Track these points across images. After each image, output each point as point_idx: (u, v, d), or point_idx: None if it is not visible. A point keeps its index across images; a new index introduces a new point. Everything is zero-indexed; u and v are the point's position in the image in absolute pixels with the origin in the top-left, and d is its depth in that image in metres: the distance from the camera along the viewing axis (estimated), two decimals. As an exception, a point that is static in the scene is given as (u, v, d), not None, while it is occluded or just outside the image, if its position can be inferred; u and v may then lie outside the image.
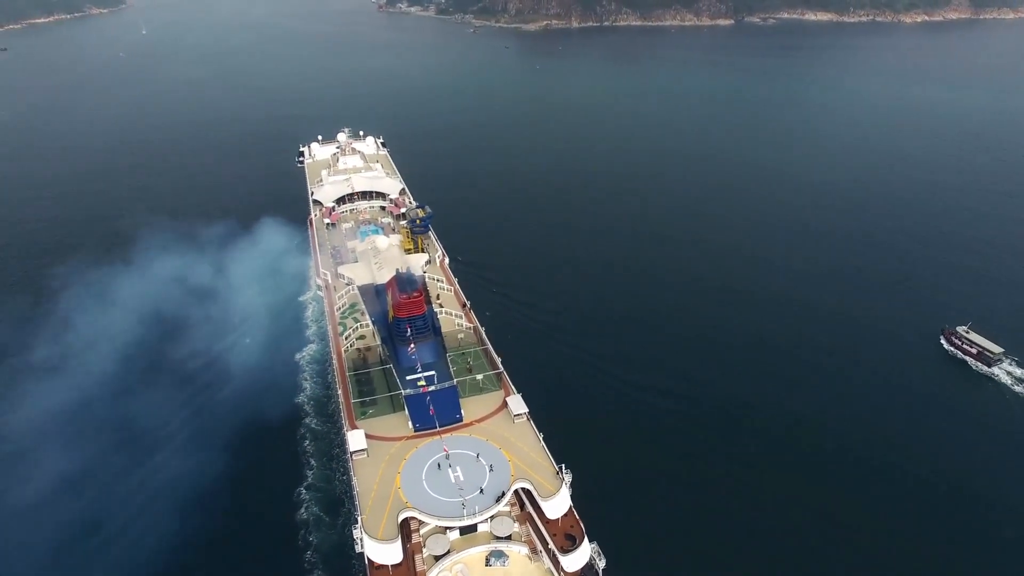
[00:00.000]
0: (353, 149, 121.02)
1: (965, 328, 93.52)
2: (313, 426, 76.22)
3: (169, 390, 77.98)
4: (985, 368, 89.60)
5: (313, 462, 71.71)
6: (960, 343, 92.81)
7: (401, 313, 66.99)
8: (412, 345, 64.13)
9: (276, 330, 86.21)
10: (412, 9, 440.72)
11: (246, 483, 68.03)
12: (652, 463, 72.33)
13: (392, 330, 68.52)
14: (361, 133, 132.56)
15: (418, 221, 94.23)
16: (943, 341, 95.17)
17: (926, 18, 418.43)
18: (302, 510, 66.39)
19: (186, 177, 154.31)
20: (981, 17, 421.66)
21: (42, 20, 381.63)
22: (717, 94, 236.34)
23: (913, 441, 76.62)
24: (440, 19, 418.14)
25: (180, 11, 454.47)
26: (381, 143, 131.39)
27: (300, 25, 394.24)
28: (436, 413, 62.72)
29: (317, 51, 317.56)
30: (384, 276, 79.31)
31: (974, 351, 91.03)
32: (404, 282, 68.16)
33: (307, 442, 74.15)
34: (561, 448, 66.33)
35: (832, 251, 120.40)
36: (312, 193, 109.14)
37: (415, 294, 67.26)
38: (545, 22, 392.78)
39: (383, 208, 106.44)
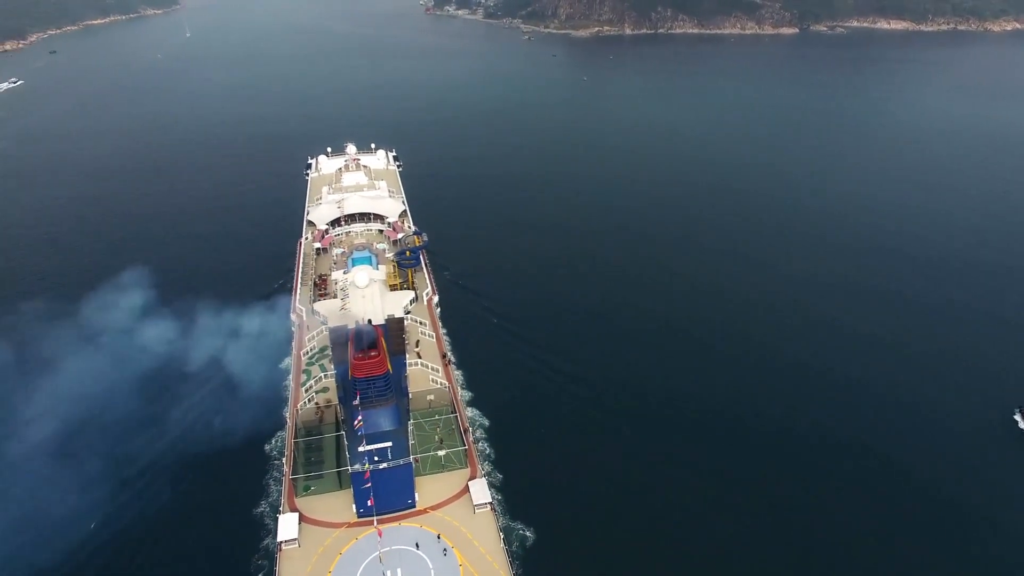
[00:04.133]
0: (358, 164, 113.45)
1: (1050, 408, 77.94)
2: (272, 549, 57.50)
3: (84, 501, 59.24)
4: (1073, 459, 74.01)
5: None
6: (1042, 425, 77.33)
7: (358, 373, 57.88)
8: (359, 418, 54.82)
9: (246, 409, 66.97)
10: (460, 12, 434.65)
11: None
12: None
13: (349, 390, 59.57)
14: (373, 146, 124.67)
15: (407, 253, 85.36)
16: (1019, 419, 79.68)
17: (1017, 26, 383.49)
18: None
19: (183, 196, 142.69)
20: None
21: (98, 21, 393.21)
22: (781, 112, 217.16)
23: (973, 538, 62.66)
24: (487, 23, 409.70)
25: (229, 12, 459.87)
26: (393, 157, 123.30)
27: (345, 28, 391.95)
28: (385, 496, 53.56)
29: (357, 56, 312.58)
30: (356, 318, 70.52)
31: (1060, 437, 75.47)
32: (360, 337, 59.00)
33: (261, 577, 56.99)
34: (528, 545, 56.50)
35: (891, 291, 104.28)
36: (308, 212, 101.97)
37: (372, 354, 57.96)
38: (596, 28, 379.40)
39: (381, 232, 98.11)
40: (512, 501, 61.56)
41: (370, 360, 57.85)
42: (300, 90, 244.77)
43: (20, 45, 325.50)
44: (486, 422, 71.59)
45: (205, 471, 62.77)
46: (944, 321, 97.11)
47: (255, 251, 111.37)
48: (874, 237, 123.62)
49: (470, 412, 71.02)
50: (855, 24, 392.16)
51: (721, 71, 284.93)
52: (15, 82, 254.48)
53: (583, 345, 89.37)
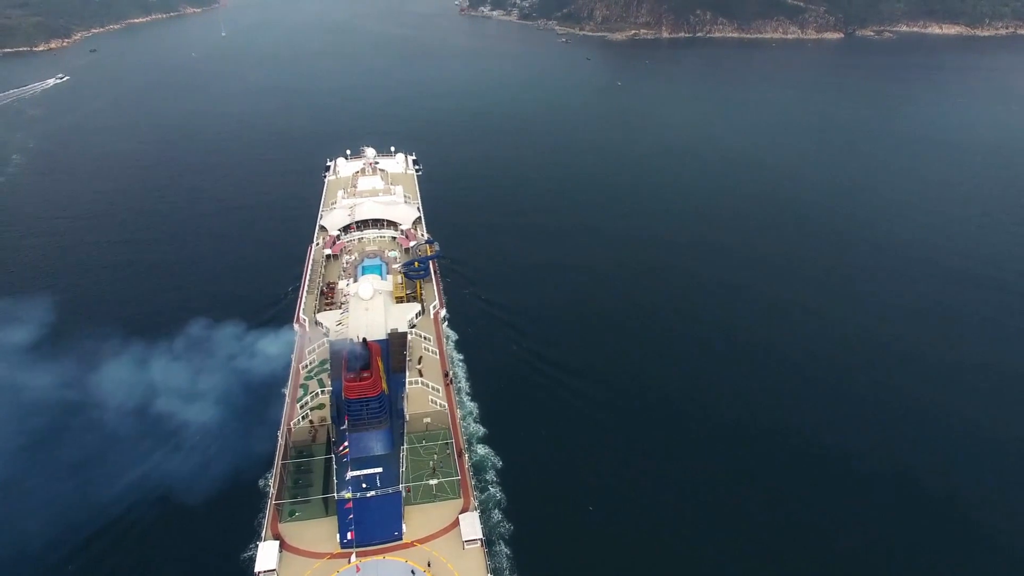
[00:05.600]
0: (375, 168, 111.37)
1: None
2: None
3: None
4: None
5: None
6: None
7: (350, 394, 55.30)
8: (345, 444, 52.14)
9: (243, 441, 61.87)
10: (494, 13, 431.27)
11: None
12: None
13: (342, 409, 56.94)
14: (392, 149, 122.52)
15: (416, 264, 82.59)
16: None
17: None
18: None
19: (202, 195, 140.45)
20: None
21: (140, 20, 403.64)
22: (824, 121, 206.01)
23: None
24: (522, 25, 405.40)
25: (266, 11, 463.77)
26: (413, 161, 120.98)
27: (378, 27, 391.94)
28: (371, 526, 50.78)
29: (387, 55, 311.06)
30: (358, 332, 68.08)
31: None
32: (351, 358, 56.34)
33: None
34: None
35: (947, 310, 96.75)
36: (320, 216, 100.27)
37: (365, 375, 55.23)
38: (633, 31, 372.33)
39: (394, 239, 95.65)
40: (522, 562, 56.77)
41: (362, 382, 55.26)
42: (328, 90, 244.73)
43: (65, 43, 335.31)
44: (499, 463, 65.07)
45: (195, 509, 58.43)
46: (990, 339, 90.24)
47: (269, 255, 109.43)
48: (924, 253, 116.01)
49: (482, 450, 66.19)
50: (904, 29, 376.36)
51: (762, 77, 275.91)
52: (62, 78, 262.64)
53: (618, 371, 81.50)
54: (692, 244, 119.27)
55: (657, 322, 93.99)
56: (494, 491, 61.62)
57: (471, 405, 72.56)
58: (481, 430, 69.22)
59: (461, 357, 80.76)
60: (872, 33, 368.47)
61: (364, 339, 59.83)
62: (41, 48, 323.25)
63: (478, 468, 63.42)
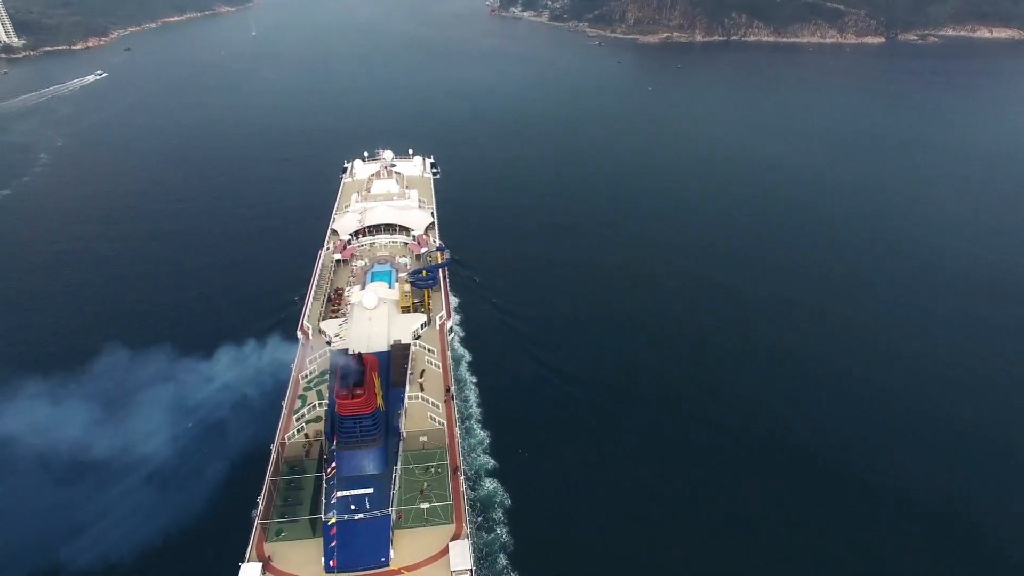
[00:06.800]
0: (390, 171, 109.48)
1: None
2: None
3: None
4: None
5: None
6: None
7: (343, 411, 53.02)
8: (332, 466, 49.91)
9: (232, 461, 59.96)
10: (525, 14, 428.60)
11: None
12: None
13: (336, 424, 54.73)
14: (410, 151, 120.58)
15: (424, 272, 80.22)
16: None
17: None
18: None
19: (220, 196, 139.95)
20: None
21: (175, 19, 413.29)
22: (864, 130, 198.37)
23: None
24: (552, 26, 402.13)
25: (298, 11, 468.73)
26: (431, 164, 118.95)
27: (408, 28, 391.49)
28: (357, 550, 48.42)
29: (415, 57, 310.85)
30: (359, 343, 66.09)
31: None
32: (344, 373, 54.05)
33: None
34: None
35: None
36: (333, 220, 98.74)
37: (358, 391, 52.88)
38: (665, 34, 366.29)
39: (405, 245, 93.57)
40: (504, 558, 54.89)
41: (355, 399, 52.89)
42: (351, 89, 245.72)
43: (102, 42, 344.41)
44: (508, 501, 61.01)
45: (189, 523, 57.32)
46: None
47: (282, 258, 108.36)
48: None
49: (490, 485, 62.72)
50: (950, 33, 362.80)
51: (796, 83, 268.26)
52: (100, 74, 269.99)
53: (648, 391, 76.23)
54: (721, 253, 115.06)
55: (692, 336, 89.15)
56: (500, 532, 57.64)
57: (482, 434, 68.84)
58: (491, 462, 64.95)
59: (474, 380, 77.26)
60: (916, 37, 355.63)
61: (359, 354, 57.50)
62: (79, 47, 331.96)
63: (484, 505, 60.00)
